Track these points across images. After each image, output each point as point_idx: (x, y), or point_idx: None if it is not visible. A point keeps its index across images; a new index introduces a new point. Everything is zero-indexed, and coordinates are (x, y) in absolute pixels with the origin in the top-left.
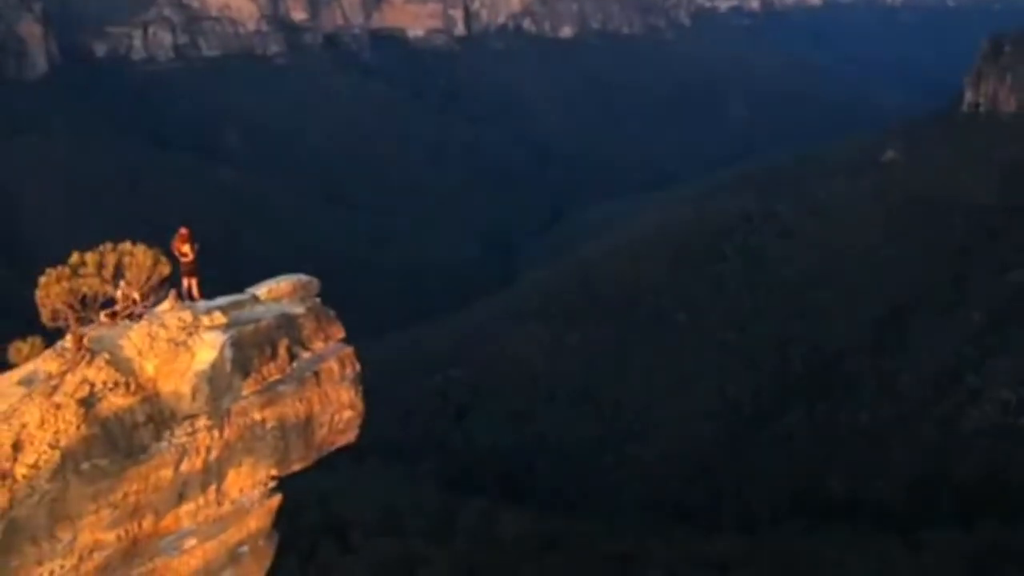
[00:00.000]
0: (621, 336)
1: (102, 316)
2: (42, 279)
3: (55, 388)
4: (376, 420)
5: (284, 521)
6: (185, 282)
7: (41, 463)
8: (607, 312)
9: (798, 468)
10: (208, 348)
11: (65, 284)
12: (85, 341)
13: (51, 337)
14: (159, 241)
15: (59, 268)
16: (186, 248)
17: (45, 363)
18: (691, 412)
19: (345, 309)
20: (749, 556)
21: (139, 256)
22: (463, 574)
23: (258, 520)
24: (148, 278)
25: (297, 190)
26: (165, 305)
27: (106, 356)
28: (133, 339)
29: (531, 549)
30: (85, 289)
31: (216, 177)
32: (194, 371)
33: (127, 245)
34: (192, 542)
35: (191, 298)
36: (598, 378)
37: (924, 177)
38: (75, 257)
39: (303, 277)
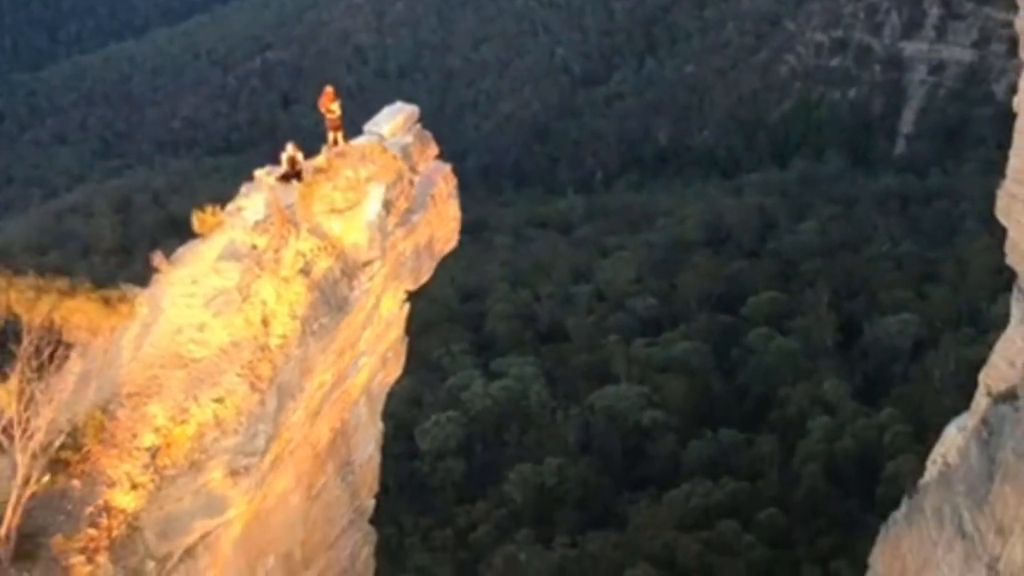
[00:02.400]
0: (446, 2)
1: (273, 180)
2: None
3: (276, 263)
4: (199, 112)
5: (124, 219)
6: (331, 136)
7: (288, 333)
8: None
9: (628, 125)
10: (372, 199)
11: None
12: (286, 222)
13: None
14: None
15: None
16: (333, 105)
17: (246, 236)
18: (523, 78)
19: None
20: (588, 213)
21: None
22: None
23: (397, 328)
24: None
25: None
26: (321, 160)
27: (306, 225)
28: (316, 202)
29: None
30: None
31: None
32: (366, 222)
33: None
34: (364, 361)
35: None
36: (426, 50)
37: None
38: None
39: (407, 107)
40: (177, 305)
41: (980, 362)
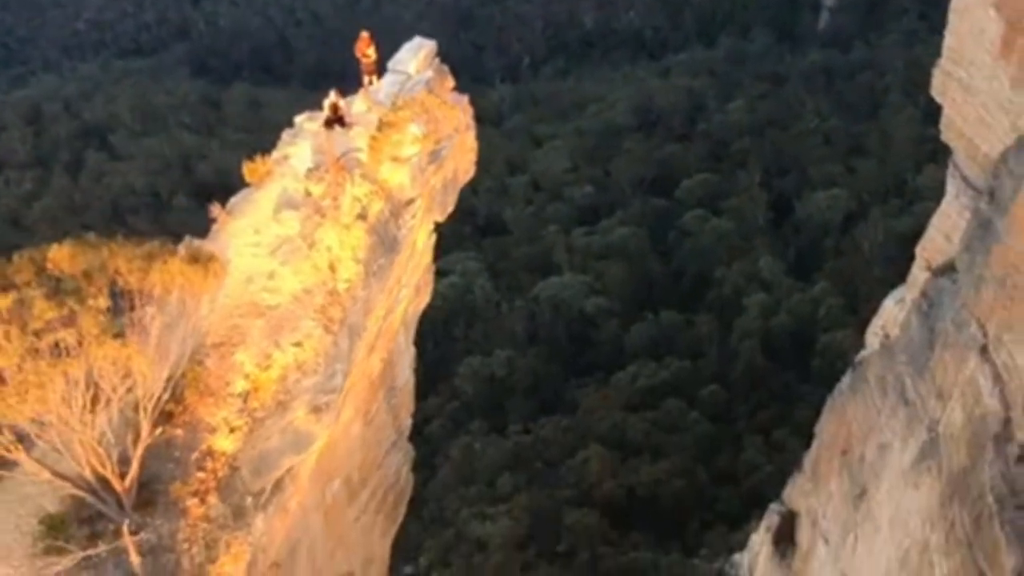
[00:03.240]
0: None
1: (317, 126)
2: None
3: (336, 210)
4: (104, 12)
5: (36, 130)
6: (367, 79)
7: (352, 276)
8: None
9: (553, 8)
10: (411, 141)
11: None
12: (341, 168)
13: None
14: None
15: None
16: (369, 51)
17: (299, 184)
18: None
19: None
20: (517, 102)
21: None
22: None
23: (427, 258)
24: None
25: None
26: (359, 104)
27: (359, 171)
28: (363, 146)
29: None
30: None
31: None
32: (407, 162)
33: None
34: (404, 292)
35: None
36: None
37: None
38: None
39: (427, 43)
40: (243, 255)
41: (908, 233)
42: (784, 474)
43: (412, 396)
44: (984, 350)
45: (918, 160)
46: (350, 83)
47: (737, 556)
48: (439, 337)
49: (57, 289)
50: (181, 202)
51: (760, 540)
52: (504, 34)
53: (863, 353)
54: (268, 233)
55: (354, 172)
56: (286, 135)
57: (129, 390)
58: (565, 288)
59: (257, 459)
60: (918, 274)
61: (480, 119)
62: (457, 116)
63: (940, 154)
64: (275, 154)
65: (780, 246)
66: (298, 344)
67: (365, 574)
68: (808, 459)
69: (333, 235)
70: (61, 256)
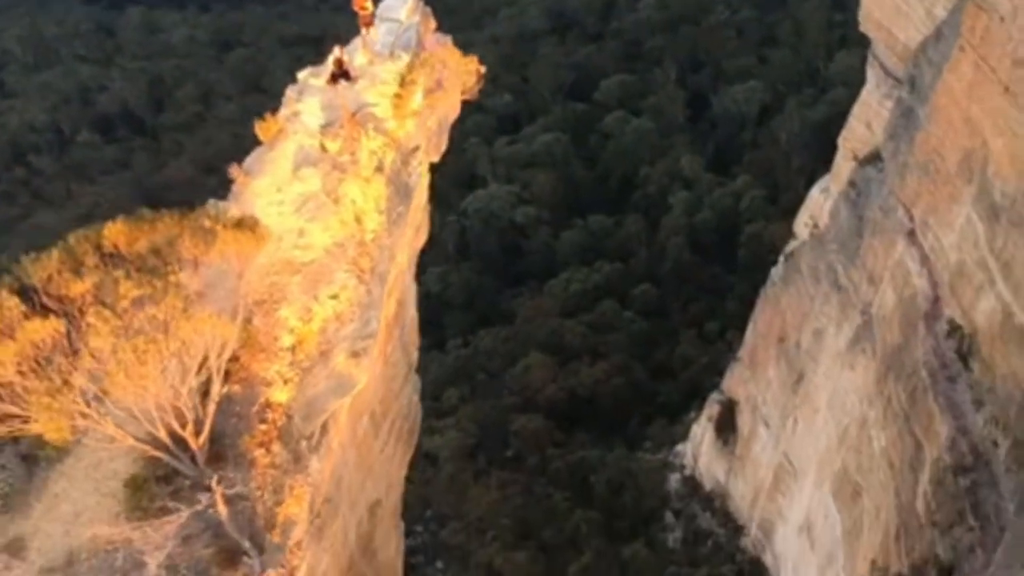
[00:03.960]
0: None
1: (323, 82)
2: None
3: (355, 164)
4: None
5: None
6: (364, 30)
7: (377, 227)
8: None
9: None
10: (414, 91)
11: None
12: (355, 124)
13: None
14: None
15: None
16: (367, 3)
17: (313, 140)
18: None
19: None
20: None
21: None
22: None
23: (423, 198)
24: None
25: None
26: (361, 57)
27: (372, 125)
28: (373, 100)
29: None
30: None
31: None
32: (418, 112)
33: None
34: (409, 233)
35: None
36: None
37: None
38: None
39: None
40: (269, 215)
41: (824, 121)
42: (719, 365)
43: (417, 331)
44: (911, 234)
45: (829, 47)
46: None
47: (680, 447)
48: None
49: (140, 267)
50: (85, 137)
51: (702, 429)
52: None
53: (793, 244)
54: (290, 191)
55: (368, 126)
56: (291, 91)
57: (206, 356)
58: (493, 200)
59: (306, 406)
60: (842, 164)
61: None
62: (460, 62)
63: (850, 41)
64: (283, 111)
65: (699, 142)
66: (334, 296)
67: (388, 499)
68: (745, 349)
69: (356, 189)
70: (118, 234)
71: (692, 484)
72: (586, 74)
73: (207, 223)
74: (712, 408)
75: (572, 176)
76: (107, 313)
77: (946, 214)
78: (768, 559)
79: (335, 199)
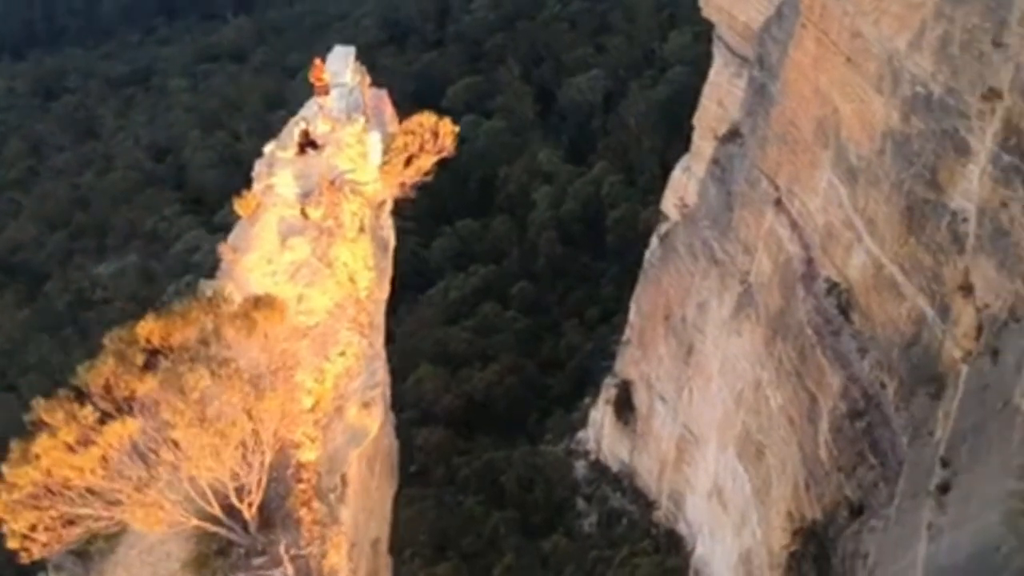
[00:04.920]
0: None
1: (292, 154)
2: None
3: (340, 227)
4: None
5: None
6: (320, 100)
7: (369, 282)
8: None
9: None
10: (374, 146)
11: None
12: (335, 190)
13: None
14: None
15: None
16: (324, 75)
17: (293, 211)
18: None
19: None
20: (259, 35)
21: None
22: None
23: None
24: None
25: None
26: (322, 125)
27: (348, 188)
28: (343, 165)
29: None
30: None
31: None
32: (375, 165)
33: None
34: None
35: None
36: None
37: None
38: None
39: (349, 49)
40: (265, 286)
41: (666, 101)
42: (605, 349)
43: (387, 369)
44: (778, 202)
45: (662, 29)
46: None
47: (581, 434)
48: None
49: (203, 358)
50: None
51: (601, 414)
52: None
53: (666, 225)
54: (281, 261)
55: (345, 190)
56: (260, 166)
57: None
58: None
59: (328, 460)
60: (700, 142)
61: (220, 58)
62: (436, 125)
63: (680, 20)
64: (256, 185)
65: (553, 136)
66: (342, 354)
67: (383, 535)
68: (632, 331)
69: (345, 251)
70: (152, 330)
71: (599, 468)
72: (430, 81)
73: (240, 308)
74: (608, 392)
75: (431, 185)
76: (182, 405)
77: (808, 180)
78: (682, 528)
79: (327, 263)
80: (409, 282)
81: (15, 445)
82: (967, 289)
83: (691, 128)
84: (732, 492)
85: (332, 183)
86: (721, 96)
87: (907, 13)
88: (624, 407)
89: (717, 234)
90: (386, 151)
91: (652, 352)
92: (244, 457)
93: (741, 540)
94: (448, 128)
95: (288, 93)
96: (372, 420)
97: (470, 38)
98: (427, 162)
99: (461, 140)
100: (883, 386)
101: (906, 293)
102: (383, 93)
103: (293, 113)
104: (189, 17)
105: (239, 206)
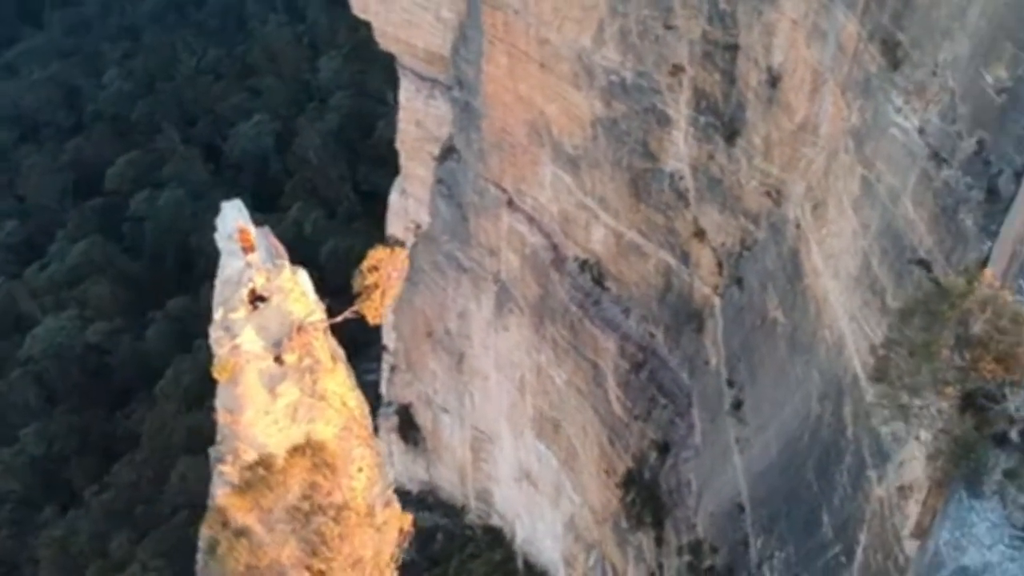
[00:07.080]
0: None
1: (245, 312)
2: None
3: (317, 362)
4: None
5: None
6: (249, 257)
7: (355, 400)
8: None
9: None
10: (307, 283)
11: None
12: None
13: None
14: None
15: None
16: (250, 236)
17: (270, 359)
18: None
19: None
20: None
21: None
22: None
23: None
24: None
25: None
26: (259, 278)
27: (310, 333)
28: (296, 307)
29: None
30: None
31: None
32: (313, 299)
33: None
34: None
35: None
36: None
37: None
38: None
39: (239, 204)
40: (271, 434)
41: (338, 128)
42: (361, 385)
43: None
44: (511, 203)
45: (309, 59)
46: None
47: None
48: None
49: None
50: None
51: (387, 443)
52: None
53: (408, 245)
54: (277, 408)
55: (309, 329)
56: (216, 332)
57: None
58: (55, 333)
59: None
60: (408, 164)
61: None
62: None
63: (323, 45)
64: (220, 351)
65: (233, 190)
66: (360, 469)
67: None
68: (398, 356)
69: (331, 381)
70: (237, 507)
71: (400, 493)
72: (85, 168)
73: (317, 461)
74: (389, 420)
75: (125, 274)
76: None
77: (534, 178)
78: (496, 521)
79: (320, 396)
80: (136, 384)
81: None
82: (700, 235)
83: (372, 147)
84: (540, 471)
85: (300, 328)
86: (419, 118)
87: (584, 15)
88: (409, 429)
89: (459, 245)
90: (359, 292)
91: (423, 370)
92: None
93: (560, 510)
94: (403, 253)
95: None
96: (393, 515)
97: (111, 114)
98: (399, 288)
99: (139, 220)
100: (652, 335)
101: (649, 252)
102: (267, 230)
103: None
104: None
105: (217, 372)
